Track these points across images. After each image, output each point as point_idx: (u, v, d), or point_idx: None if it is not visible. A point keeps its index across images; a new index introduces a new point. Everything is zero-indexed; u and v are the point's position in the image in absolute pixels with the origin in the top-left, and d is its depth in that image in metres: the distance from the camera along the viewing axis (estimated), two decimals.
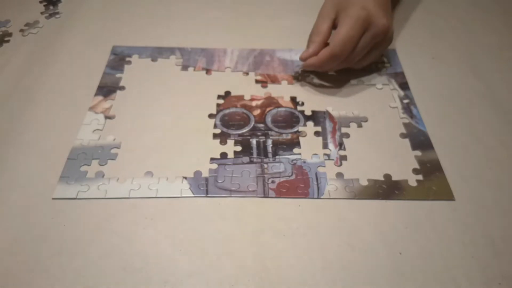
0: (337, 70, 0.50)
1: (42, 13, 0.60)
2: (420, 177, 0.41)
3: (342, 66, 0.48)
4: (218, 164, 0.42)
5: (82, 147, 0.43)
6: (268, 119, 0.46)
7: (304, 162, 0.42)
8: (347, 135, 0.44)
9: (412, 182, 0.40)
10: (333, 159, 0.42)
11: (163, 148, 0.43)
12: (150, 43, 0.55)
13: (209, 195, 0.39)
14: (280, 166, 0.42)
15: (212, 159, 0.42)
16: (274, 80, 0.51)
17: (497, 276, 0.34)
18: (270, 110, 0.47)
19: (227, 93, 0.49)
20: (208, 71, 0.52)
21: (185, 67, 0.52)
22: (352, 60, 0.47)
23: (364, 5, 0.45)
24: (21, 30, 0.57)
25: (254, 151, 0.43)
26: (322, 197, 0.39)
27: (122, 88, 0.49)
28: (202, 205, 0.38)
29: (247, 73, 0.51)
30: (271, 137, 0.44)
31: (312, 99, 0.48)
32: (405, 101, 0.48)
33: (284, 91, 0.49)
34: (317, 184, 0.40)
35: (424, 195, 0.39)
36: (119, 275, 0.34)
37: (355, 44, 0.45)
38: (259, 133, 0.45)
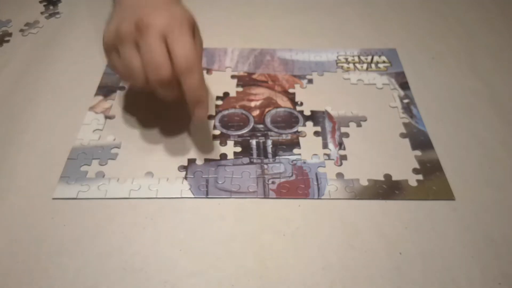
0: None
1: (42, 13, 0.60)
2: (420, 177, 0.41)
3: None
4: (218, 165, 0.42)
5: (82, 147, 0.43)
6: (268, 120, 0.46)
7: (304, 162, 0.42)
8: (346, 135, 0.44)
9: (412, 182, 0.40)
10: (333, 159, 0.42)
11: (163, 148, 0.43)
12: None
13: (209, 196, 0.39)
14: (280, 166, 0.42)
15: (212, 160, 0.42)
16: (275, 80, 0.51)
17: (497, 276, 0.34)
18: (269, 110, 0.47)
19: (226, 94, 0.49)
20: (209, 70, 0.52)
21: None
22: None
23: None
24: (21, 30, 0.57)
25: (254, 152, 0.43)
26: (322, 197, 0.39)
27: (122, 88, 0.49)
28: (202, 206, 0.38)
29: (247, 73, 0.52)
30: (270, 138, 0.44)
31: (310, 99, 0.48)
32: (405, 101, 0.48)
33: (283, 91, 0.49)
34: (318, 184, 0.40)
35: (424, 195, 0.39)
36: (119, 275, 0.34)
37: None
38: (258, 134, 0.45)
